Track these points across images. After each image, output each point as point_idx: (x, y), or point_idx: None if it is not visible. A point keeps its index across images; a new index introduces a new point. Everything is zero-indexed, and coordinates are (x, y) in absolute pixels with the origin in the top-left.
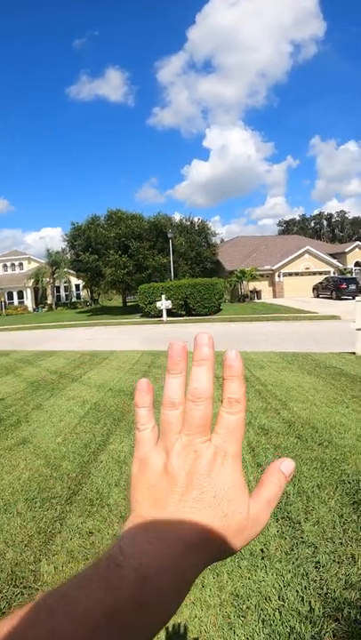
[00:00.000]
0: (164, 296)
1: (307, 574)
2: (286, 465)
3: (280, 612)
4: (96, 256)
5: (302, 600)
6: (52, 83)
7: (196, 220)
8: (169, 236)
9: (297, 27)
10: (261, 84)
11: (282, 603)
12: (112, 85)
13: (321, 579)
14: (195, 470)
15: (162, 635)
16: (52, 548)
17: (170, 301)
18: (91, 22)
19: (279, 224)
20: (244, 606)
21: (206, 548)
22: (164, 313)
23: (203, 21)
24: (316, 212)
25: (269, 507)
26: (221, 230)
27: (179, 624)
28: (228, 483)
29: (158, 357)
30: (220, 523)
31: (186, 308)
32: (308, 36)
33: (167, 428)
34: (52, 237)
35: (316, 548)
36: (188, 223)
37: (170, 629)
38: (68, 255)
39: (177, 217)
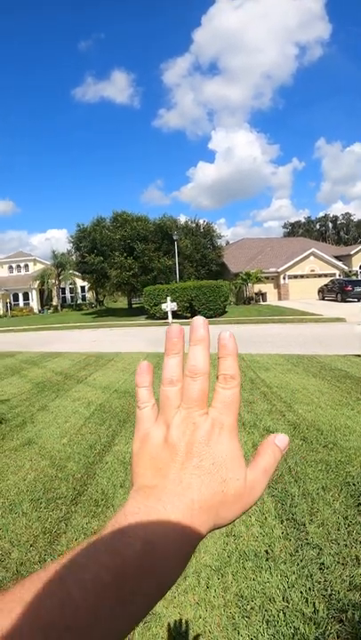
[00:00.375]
0: (169, 298)
1: (311, 576)
2: (280, 439)
3: (284, 613)
4: (101, 258)
5: (307, 601)
6: (57, 84)
7: (201, 222)
8: (174, 238)
9: (302, 29)
10: (267, 87)
11: (286, 604)
12: (118, 87)
13: (325, 580)
14: (194, 440)
15: (165, 634)
16: (57, 548)
17: (175, 303)
18: (96, 24)
19: (284, 226)
20: (249, 607)
21: (207, 513)
22: (170, 315)
23: (208, 23)
24: (321, 214)
25: (266, 475)
26: (227, 232)
27: (183, 623)
28: (226, 451)
29: (163, 359)
30: (219, 488)
31: (191, 310)
32: (314, 39)
33: (166, 403)
34: (58, 239)
35: (320, 549)
36: (194, 225)
37: (173, 629)
38: (74, 257)
39: (182, 219)
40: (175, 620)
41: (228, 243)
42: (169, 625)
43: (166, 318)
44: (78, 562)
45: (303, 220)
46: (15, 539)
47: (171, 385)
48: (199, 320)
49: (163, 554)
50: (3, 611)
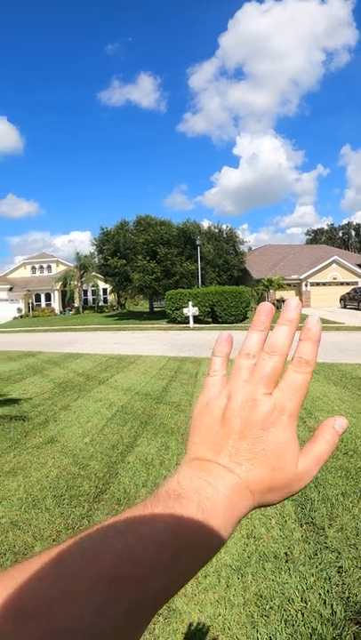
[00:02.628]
0: (190, 303)
1: (329, 578)
2: (340, 422)
3: (302, 614)
4: (124, 261)
5: (325, 603)
6: (84, 87)
7: (224, 227)
8: (197, 243)
9: (329, 35)
10: (293, 92)
11: (304, 605)
12: (144, 91)
13: (343, 583)
14: (249, 420)
15: (185, 629)
16: None
17: (196, 308)
18: (124, 28)
19: (307, 233)
20: (268, 606)
21: (253, 494)
22: (191, 319)
23: (234, 28)
24: (344, 221)
25: (318, 464)
26: (250, 238)
27: (201, 622)
28: (280, 438)
29: (185, 363)
30: (267, 474)
31: (212, 316)
32: (341, 45)
33: (236, 374)
34: (81, 241)
35: (339, 553)
36: (217, 231)
37: (193, 626)
38: (97, 259)
39: (205, 224)
40: (195, 617)
41: (250, 249)
42: (190, 623)
43: (187, 322)
44: (137, 518)
45: (326, 228)
46: (38, 533)
47: (246, 358)
48: (293, 302)
49: (213, 520)
50: (64, 560)
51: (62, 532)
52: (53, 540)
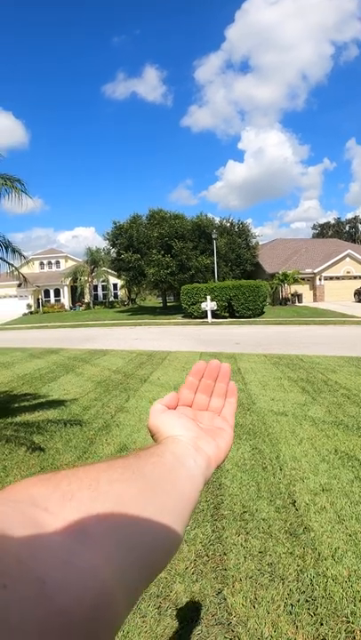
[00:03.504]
0: (209, 297)
1: None
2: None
3: None
4: (138, 255)
5: None
6: (87, 79)
7: (235, 221)
8: (213, 236)
9: (338, 28)
10: (300, 86)
11: None
12: (149, 84)
13: None
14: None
15: None
16: None
17: (215, 303)
18: (129, 21)
19: (314, 227)
20: None
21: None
22: (209, 314)
23: (241, 20)
24: (350, 215)
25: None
26: (255, 231)
27: None
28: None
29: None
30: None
31: (230, 310)
32: (350, 38)
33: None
34: (85, 237)
35: None
36: (228, 224)
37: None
38: (110, 253)
39: (216, 219)
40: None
41: (257, 244)
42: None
43: (205, 317)
44: (184, 462)
45: (333, 222)
46: None
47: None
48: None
49: (214, 465)
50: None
51: None
52: None
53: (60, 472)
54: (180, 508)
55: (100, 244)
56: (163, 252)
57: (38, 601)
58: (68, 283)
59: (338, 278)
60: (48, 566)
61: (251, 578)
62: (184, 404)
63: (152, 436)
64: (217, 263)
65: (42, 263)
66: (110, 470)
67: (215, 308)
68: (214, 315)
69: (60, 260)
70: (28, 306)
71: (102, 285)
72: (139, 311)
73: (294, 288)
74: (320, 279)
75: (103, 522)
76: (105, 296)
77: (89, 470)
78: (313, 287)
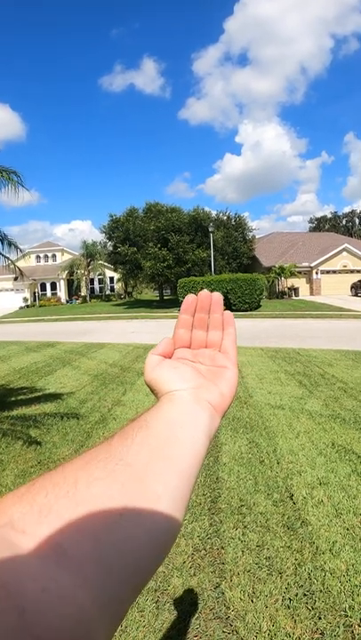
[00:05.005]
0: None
1: None
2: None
3: None
4: (135, 248)
5: None
6: (85, 72)
7: (232, 214)
8: (210, 230)
9: (338, 21)
10: (299, 79)
11: None
12: (147, 76)
13: None
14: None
15: None
16: None
17: None
18: (128, 13)
19: (310, 221)
20: None
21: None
22: None
23: (240, 11)
24: (347, 209)
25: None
26: (252, 224)
27: None
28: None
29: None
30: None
31: (227, 304)
32: (351, 32)
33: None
34: (82, 231)
35: None
36: (225, 218)
37: None
38: (106, 246)
39: (213, 212)
40: None
41: (253, 237)
42: None
43: None
44: (187, 422)
45: (329, 216)
46: None
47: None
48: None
49: (219, 415)
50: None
51: None
52: None
53: (38, 481)
54: (176, 486)
55: (97, 237)
56: (159, 246)
57: (15, 633)
58: (64, 276)
59: (334, 272)
60: (28, 593)
61: (249, 572)
62: (181, 345)
63: (152, 393)
64: (214, 256)
65: (38, 256)
66: (91, 466)
67: None
68: None
69: (57, 254)
70: (25, 299)
71: (99, 279)
72: (135, 304)
73: (291, 282)
74: (317, 273)
75: (82, 537)
76: (101, 289)
77: (68, 470)
78: (310, 281)
